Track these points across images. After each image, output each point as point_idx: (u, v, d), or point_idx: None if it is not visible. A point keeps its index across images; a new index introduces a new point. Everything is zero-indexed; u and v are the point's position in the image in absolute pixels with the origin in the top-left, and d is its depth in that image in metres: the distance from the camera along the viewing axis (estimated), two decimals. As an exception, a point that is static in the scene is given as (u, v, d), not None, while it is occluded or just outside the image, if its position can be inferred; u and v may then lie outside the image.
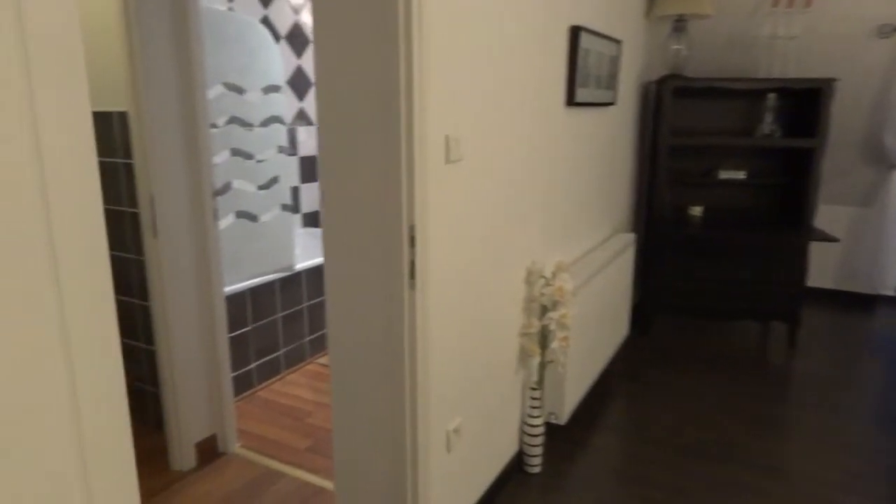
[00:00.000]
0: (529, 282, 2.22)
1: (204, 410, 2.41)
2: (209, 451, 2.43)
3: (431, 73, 1.47)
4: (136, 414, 2.66)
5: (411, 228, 1.48)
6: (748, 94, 3.71)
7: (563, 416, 2.44)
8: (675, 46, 3.58)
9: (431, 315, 1.60)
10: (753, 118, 3.70)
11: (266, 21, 3.67)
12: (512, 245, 2.06)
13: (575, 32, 2.34)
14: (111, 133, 2.32)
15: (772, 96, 3.54)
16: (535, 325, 2.18)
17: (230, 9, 3.41)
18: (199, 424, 2.39)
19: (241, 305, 2.90)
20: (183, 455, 2.34)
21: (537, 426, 2.27)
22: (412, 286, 1.52)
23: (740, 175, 3.65)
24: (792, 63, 3.83)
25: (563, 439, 2.57)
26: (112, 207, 2.43)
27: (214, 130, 2.77)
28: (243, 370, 2.94)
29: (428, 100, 1.46)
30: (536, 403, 2.26)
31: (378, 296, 1.58)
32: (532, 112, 2.10)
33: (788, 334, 3.56)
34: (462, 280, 1.76)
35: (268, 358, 3.09)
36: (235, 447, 2.51)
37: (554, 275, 2.18)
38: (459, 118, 1.63)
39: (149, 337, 2.41)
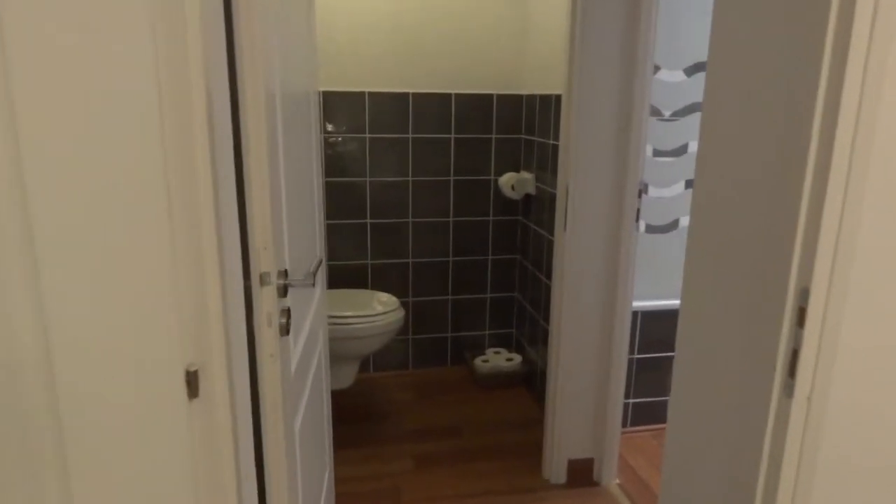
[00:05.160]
0: None
1: (585, 428, 2.17)
2: (582, 474, 2.20)
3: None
4: (542, 399, 2.65)
5: (802, 294, 0.86)
6: None
7: None
8: None
9: (823, 445, 0.92)
10: None
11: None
12: None
13: None
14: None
15: None
16: None
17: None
18: (577, 441, 2.18)
19: (669, 325, 2.49)
20: (554, 466, 2.18)
21: None
22: (789, 390, 0.89)
23: None
24: None
25: None
26: (548, 189, 2.43)
27: (683, 120, 2.42)
28: (655, 399, 2.55)
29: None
30: None
31: (730, 391, 1.01)
32: None
33: None
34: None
35: (692, 394, 2.59)
36: (612, 482, 2.20)
37: None
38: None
39: (553, 332, 2.32)
